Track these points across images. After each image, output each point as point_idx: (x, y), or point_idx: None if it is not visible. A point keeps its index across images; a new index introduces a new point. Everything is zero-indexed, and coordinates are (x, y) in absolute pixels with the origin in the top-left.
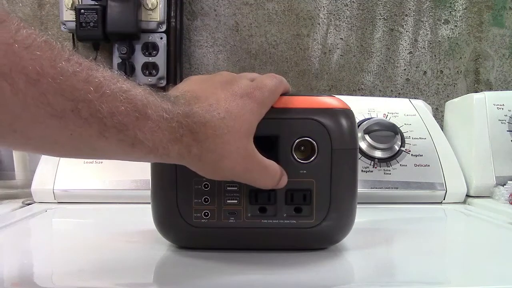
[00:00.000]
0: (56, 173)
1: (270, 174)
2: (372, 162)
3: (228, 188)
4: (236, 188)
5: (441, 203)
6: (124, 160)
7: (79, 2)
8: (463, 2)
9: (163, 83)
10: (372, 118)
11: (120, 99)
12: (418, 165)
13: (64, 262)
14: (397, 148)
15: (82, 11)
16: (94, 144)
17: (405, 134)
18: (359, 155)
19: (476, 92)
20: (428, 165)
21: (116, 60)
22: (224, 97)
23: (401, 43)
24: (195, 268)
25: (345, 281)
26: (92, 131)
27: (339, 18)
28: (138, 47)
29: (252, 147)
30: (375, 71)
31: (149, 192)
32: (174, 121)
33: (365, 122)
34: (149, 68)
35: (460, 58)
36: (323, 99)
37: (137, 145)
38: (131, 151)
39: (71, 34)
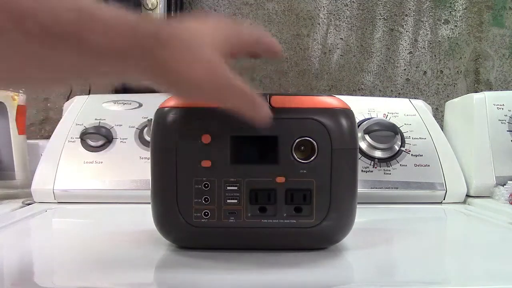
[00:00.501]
0: (56, 173)
1: (242, 92)
2: (372, 162)
3: (228, 188)
4: (236, 188)
5: (441, 203)
6: (79, 77)
7: None
8: (463, 2)
9: None
10: (372, 118)
11: (67, 7)
12: (418, 165)
13: (64, 262)
14: (397, 148)
15: None
16: (43, 58)
17: (405, 134)
18: (359, 155)
19: (476, 92)
20: (428, 165)
21: None
22: (192, 21)
23: (401, 43)
24: (195, 268)
25: (345, 281)
26: (38, 43)
27: (339, 18)
28: None
29: (220, 59)
30: (375, 71)
31: (149, 192)
32: (134, 25)
33: (365, 122)
34: None
35: (460, 58)
36: (323, 99)
37: (87, 51)
38: (82, 60)
39: None
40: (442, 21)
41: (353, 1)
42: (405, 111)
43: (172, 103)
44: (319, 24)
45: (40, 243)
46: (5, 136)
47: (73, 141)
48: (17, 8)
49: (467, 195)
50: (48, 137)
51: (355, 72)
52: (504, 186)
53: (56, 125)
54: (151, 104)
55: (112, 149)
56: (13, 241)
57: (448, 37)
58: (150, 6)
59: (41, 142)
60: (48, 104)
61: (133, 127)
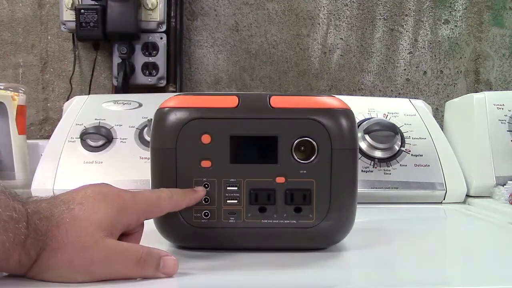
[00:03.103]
0: (56, 173)
1: (127, 259)
2: (372, 162)
3: (228, 188)
4: (236, 188)
5: (441, 203)
6: None
7: (79, 2)
8: (463, 2)
9: (163, 83)
10: (372, 118)
11: None
12: (418, 165)
13: None
14: (397, 148)
15: (82, 11)
16: None
17: (405, 134)
18: (359, 155)
19: (476, 92)
20: (428, 165)
21: (116, 60)
22: (83, 195)
23: (401, 43)
24: (195, 268)
25: (345, 281)
26: None
27: (339, 18)
28: (138, 47)
29: (102, 236)
30: (375, 71)
31: None
32: (22, 221)
33: (365, 122)
34: (149, 68)
35: (460, 58)
36: (323, 99)
37: None
38: None
39: (71, 34)
40: (442, 21)
41: (353, 1)
42: (405, 111)
43: (172, 103)
44: (319, 24)
45: None
46: (5, 136)
47: (73, 141)
48: None
49: (467, 195)
50: (48, 137)
51: (355, 72)
52: (504, 186)
53: (56, 125)
54: (151, 104)
55: (112, 149)
56: None
57: (448, 37)
58: (150, 6)
59: (41, 142)
60: (48, 104)
61: (133, 127)
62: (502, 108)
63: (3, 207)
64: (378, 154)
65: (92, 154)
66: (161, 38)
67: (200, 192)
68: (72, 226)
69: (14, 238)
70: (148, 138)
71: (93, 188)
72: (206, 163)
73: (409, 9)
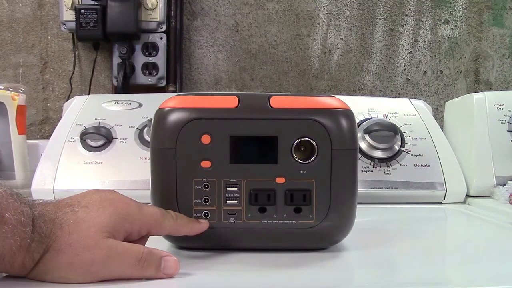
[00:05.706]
0: (56, 173)
1: (128, 258)
2: (372, 162)
3: (228, 188)
4: (236, 189)
5: (441, 203)
6: None
7: (79, 2)
8: (463, 2)
9: (163, 83)
10: (372, 118)
11: None
12: (418, 165)
13: None
14: (397, 148)
15: (82, 11)
16: None
17: (405, 134)
18: (359, 155)
19: (476, 92)
20: (428, 165)
21: (116, 60)
22: (90, 199)
23: (401, 43)
24: (195, 268)
25: (345, 281)
26: None
27: (339, 18)
28: (138, 47)
29: (103, 237)
30: (375, 71)
31: (149, 192)
32: (29, 225)
33: (365, 122)
34: (149, 68)
35: (460, 58)
36: (323, 99)
37: None
38: None
39: (71, 34)
40: (442, 21)
41: (353, 1)
42: (405, 111)
43: (172, 103)
44: (319, 24)
45: None
46: (5, 136)
47: (73, 141)
48: None
49: (467, 195)
50: (48, 137)
51: (355, 72)
52: (504, 186)
53: (56, 125)
54: (151, 104)
55: (112, 149)
56: None
57: (448, 37)
58: (150, 6)
59: (41, 142)
60: (48, 104)
61: (133, 127)
62: (502, 108)
63: (12, 211)
64: (378, 154)
65: (92, 154)
66: (161, 38)
67: (203, 224)
68: (75, 227)
69: (20, 242)
70: (148, 138)
71: (100, 193)
72: (206, 164)
73: (409, 9)
